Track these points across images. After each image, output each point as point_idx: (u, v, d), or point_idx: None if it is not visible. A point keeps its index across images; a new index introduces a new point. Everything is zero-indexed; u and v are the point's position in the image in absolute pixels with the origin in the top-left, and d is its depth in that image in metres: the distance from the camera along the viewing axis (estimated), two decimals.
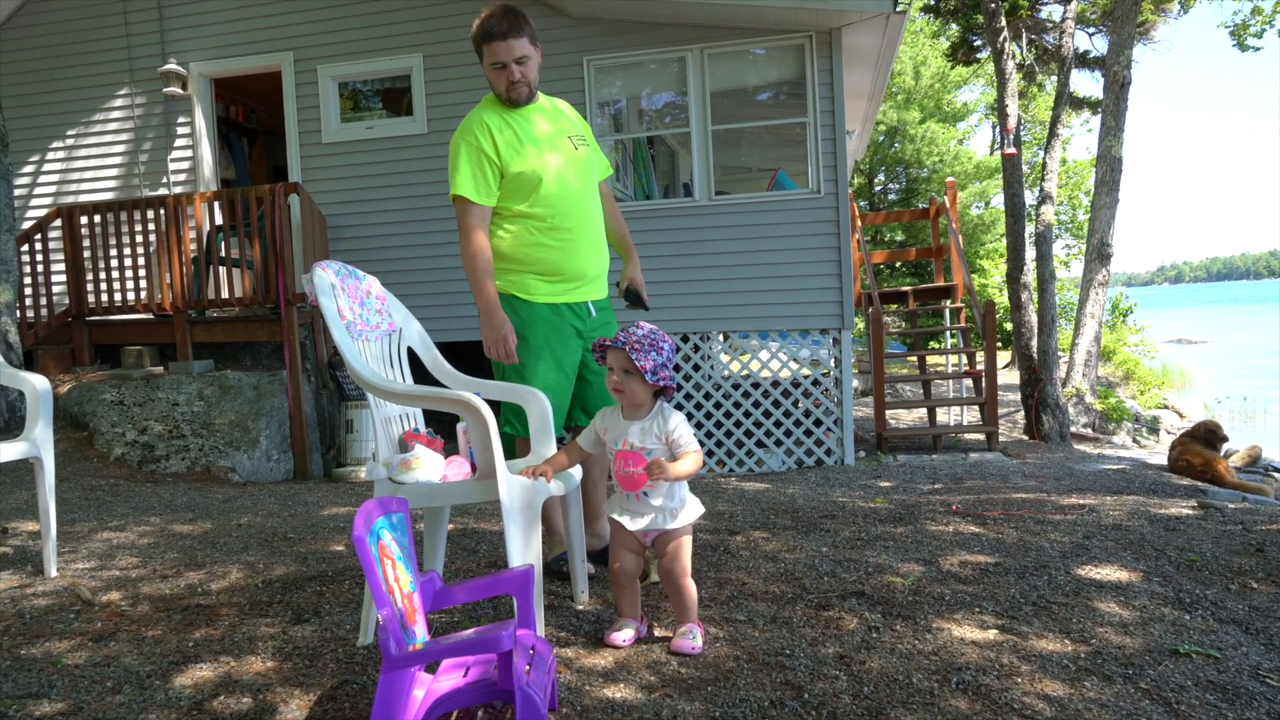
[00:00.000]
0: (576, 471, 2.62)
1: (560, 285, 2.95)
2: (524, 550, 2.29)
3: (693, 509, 2.36)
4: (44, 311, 7.79)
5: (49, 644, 2.50)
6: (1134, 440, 11.10)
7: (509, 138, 2.86)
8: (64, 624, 2.67)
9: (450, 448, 2.70)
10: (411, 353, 2.91)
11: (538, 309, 2.93)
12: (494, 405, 2.43)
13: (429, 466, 2.47)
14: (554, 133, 2.97)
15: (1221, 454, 7.04)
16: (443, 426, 3.28)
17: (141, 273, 7.64)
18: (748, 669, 2.19)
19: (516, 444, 2.95)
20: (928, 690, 2.06)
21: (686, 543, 2.35)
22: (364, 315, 2.69)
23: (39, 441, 3.17)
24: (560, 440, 2.87)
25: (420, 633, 1.89)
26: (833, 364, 7.65)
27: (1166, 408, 14.48)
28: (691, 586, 2.34)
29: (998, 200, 24.44)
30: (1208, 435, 6.99)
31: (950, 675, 2.14)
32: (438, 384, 2.90)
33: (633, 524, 2.31)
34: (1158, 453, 9.69)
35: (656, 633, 2.44)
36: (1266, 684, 2.11)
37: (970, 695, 2.04)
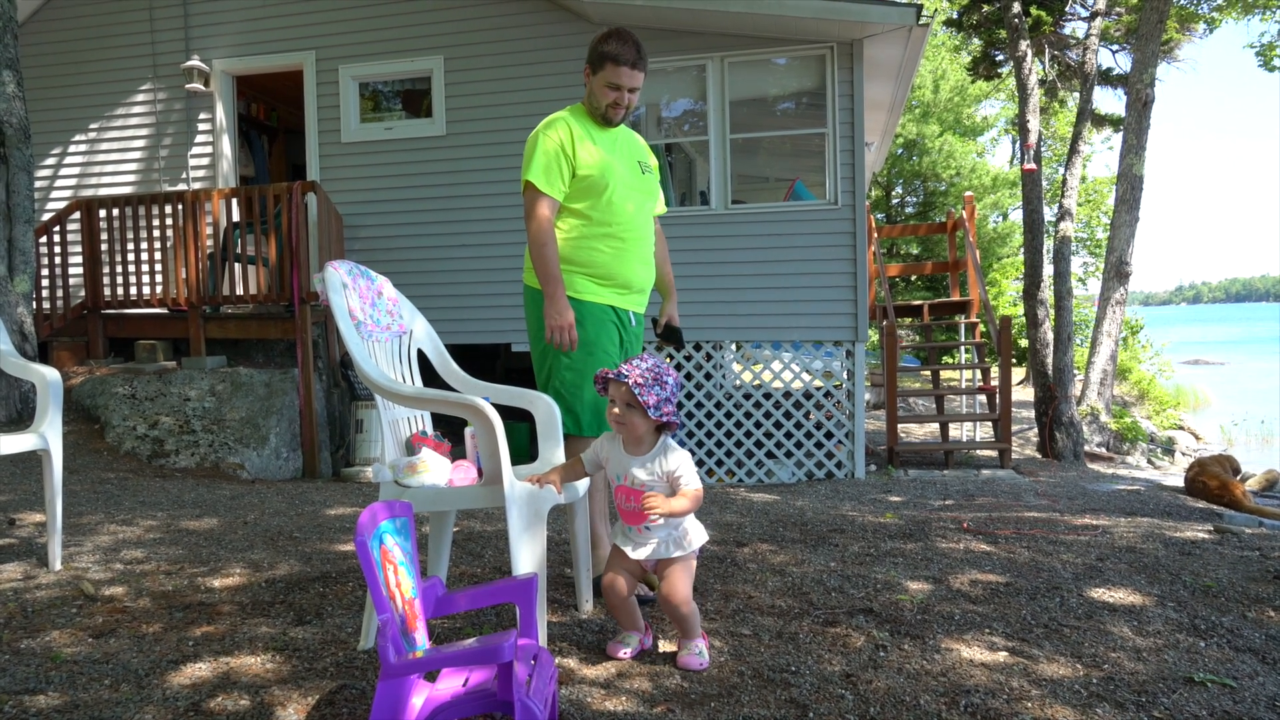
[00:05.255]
0: (583, 483, 2.59)
1: (609, 289, 3.01)
2: (528, 557, 2.26)
3: (696, 537, 2.30)
4: (60, 303, 7.83)
5: (49, 638, 2.49)
6: (1149, 461, 10.99)
7: (587, 144, 2.95)
8: (65, 618, 2.66)
9: (458, 451, 2.68)
10: (421, 354, 2.89)
11: (587, 305, 2.98)
12: (501, 410, 2.40)
13: (435, 470, 2.45)
14: (627, 154, 3.08)
15: (1238, 478, 6.97)
16: (451, 430, 3.27)
17: (158, 267, 7.68)
18: (751, 685, 2.16)
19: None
20: (935, 713, 2.02)
21: (688, 569, 2.28)
22: (375, 316, 2.68)
23: (47, 434, 3.16)
24: None
25: (421, 639, 1.87)
26: (845, 376, 7.61)
27: (1182, 429, 14.35)
28: (692, 611, 2.27)
29: (1015, 214, 24.31)
30: (1225, 462, 6.97)
31: (958, 698, 2.10)
32: (446, 386, 2.89)
33: (635, 553, 2.27)
34: (1172, 474, 9.57)
35: (661, 646, 2.41)
36: None
37: (978, 719, 2.00)
